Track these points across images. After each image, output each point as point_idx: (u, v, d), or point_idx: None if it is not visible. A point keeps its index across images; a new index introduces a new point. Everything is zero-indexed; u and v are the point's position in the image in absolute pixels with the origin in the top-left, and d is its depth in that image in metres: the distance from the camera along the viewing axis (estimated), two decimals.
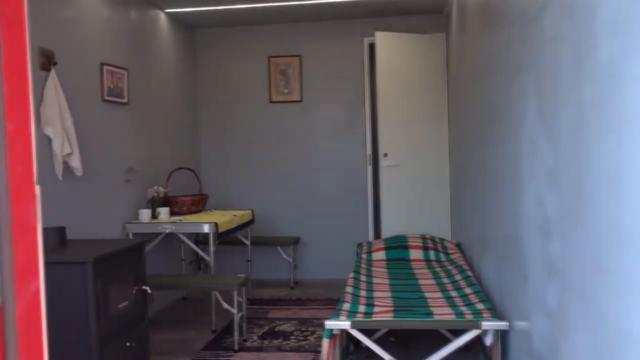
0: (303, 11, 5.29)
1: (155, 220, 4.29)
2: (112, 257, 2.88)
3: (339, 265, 5.51)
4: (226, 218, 4.43)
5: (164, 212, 4.39)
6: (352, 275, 3.61)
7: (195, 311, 4.71)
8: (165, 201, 4.63)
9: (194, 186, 5.10)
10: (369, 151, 5.70)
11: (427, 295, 3.14)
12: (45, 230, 2.77)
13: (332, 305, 4.31)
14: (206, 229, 4.14)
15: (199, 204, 4.76)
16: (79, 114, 3.70)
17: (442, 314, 2.73)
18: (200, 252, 4.60)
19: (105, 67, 4.06)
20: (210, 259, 4.20)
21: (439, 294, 3.16)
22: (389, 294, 3.17)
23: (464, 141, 4.23)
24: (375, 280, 3.57)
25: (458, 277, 3.51)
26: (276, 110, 5.79)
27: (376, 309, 2.83)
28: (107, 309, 2.78)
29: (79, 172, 3.48)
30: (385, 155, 5.27)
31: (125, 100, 4.35)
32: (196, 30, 5.83)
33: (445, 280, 3.51)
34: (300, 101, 5.74)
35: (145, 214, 4.29)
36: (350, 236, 5.66)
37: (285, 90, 5.76)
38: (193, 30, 5.78)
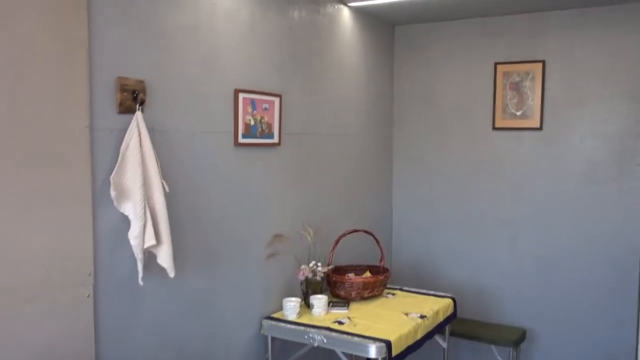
0: None
1: (303, 320, 2.90)
2: None
3: None
4: (409, 326, 2.84)
5: (319, 304, 2.98)
6: None
7: None
8: (328, 281, 3.23)
9: (372, 255, 3.58)
10: None
11: None
12: None
13: None
14: (373, 352, 2.61)
15: (376, 286, 3.25)
16: (187, 173, 2.46)
17: None
18: None
19: (241, 96, 2.76)
20: None
21: None
22: None
23: None
24: None
25: None
26: (502, 141, 3.97)
27: None
28: None
29: (170, 271, 2.22)
30: None
31: (275, 140, 3.02)
32: (395, 28, 4.28)
33: None
34: (539, 129, 3.84)
35: (292, 307, 2.94)
36: (605, 344, 3.63)
37: (518, 112, 3.90)
38: (392, 28, 4.24)
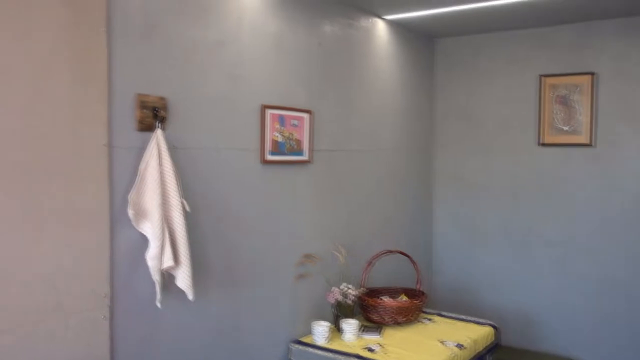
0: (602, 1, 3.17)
1: (332, 346, 2.77)
2: None
3: None
4: (444, 355, 2.67)
5: (350, 328, 2.84)
6: None
7: None
8: (361, 304, 3.09)
9: (408, 278, 3.42)
10: None
11: None
12: None
13: None
14: None
15: (411, 311, 3.09)
16: (211, 192, 2.39)
17: None
18: None
19: (268, 112, 2.68)
20: None
21: None
22: None
23: None
24: None
25: None
26: (549, 158, 3.75)
27: None
28: None
29: (189, 294, 2.14)
30: None
31: (305, 157, 2.92)
32: (435, 41, 4.14)
33: None
34: (590, 145, 3.60)
35: (321, 331, 2.81)
36: None
37: (566, 128, 3.68)
38: (431, 41, 4.10)
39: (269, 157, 2.70)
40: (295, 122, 2.85)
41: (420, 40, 3.96)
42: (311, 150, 2.96)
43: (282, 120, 2.76)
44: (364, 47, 3.37)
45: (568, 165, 3.68)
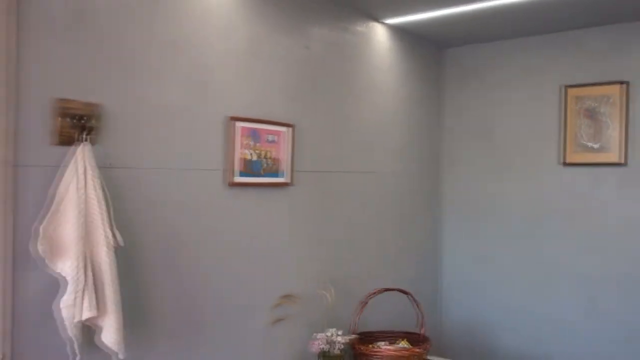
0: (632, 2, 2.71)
1: None
2: None
3: None
4: None
5: None
6: None
7: None
8: (354, 353, 2.61)
9: (412, 319, 2.91)
10: None
11: None
12: None
13: None
14: None
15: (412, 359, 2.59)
16: (160, 221, 1.95)
17: None
18: None
19: (238, 125, 2.25)
20: None
21: None
22: None
23: None
24: None
25: None
26: (574, 180, 3.26)
27: None
28: None
29: (118, 351, 1.69)
30: None
31: (285, 179, 2.48)
32: (444, 50, 3.69)
33: None
34: (622, 164, 3.10)
35: None
36: None
37: (594, 145, 3.19)
38: (440, 51, 3.66)
39: (238, 179, 2.26)
40: (272, 137, 2.41)
41: (427, 49, 3.52)
42: (292, 170, 2.51)
43: (255, 135, 2.33)
44: (360, 55, 2.94)
45: (597, 188, 3.18)
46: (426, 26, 3.18)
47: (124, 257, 1.77)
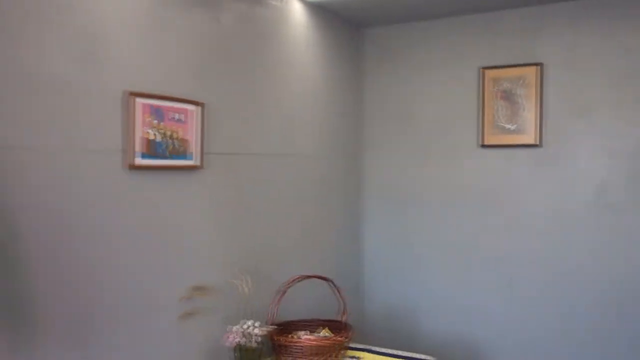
0: None
1: None
2: None
3: None
4: None
5: None
6: None
7: None
8: (274, 345, 2.47)
9: (334, 307, 2.80)
10: None
11: None
12: None
13: None
14: None
15: (334, 349, 2.48)
16: (46, 210, 1.72)
17: None
18: None
19: (138, 101, 2.04)
20: None
21: None
22: None
23: None
24: None
25: None
26: (492, 161, 3.26)
27: None
28: None
29: None
30: None
31: (193, 162, 2.29)
32: (363, 30, 3.60)
33: None
34: (537, 145, 3.13)
35: None
36: None
37: (511, 127, 3.21)
38: (360, 31, 3.56)
39: (140, 161, 2.05)
40: (179, 116, 2.21)
41: (347, 28, 3.41)
42: (202, 152, 2.32)
43: (159, 113, 2.12)
44: (276, 31, 2.78)
45: (514, 169, 3.20)
46: (345, 4, 3.06)
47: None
